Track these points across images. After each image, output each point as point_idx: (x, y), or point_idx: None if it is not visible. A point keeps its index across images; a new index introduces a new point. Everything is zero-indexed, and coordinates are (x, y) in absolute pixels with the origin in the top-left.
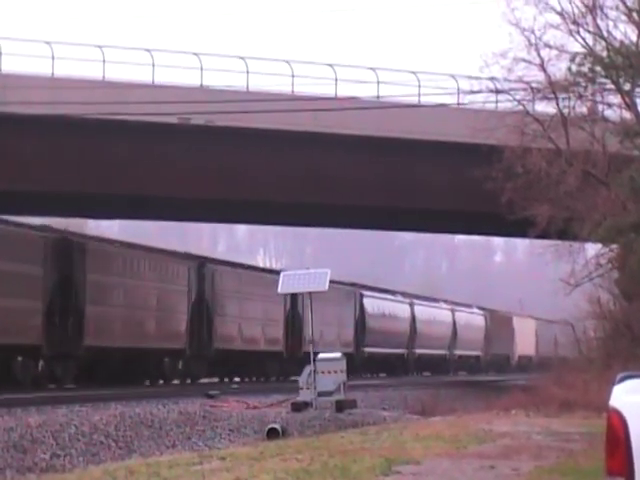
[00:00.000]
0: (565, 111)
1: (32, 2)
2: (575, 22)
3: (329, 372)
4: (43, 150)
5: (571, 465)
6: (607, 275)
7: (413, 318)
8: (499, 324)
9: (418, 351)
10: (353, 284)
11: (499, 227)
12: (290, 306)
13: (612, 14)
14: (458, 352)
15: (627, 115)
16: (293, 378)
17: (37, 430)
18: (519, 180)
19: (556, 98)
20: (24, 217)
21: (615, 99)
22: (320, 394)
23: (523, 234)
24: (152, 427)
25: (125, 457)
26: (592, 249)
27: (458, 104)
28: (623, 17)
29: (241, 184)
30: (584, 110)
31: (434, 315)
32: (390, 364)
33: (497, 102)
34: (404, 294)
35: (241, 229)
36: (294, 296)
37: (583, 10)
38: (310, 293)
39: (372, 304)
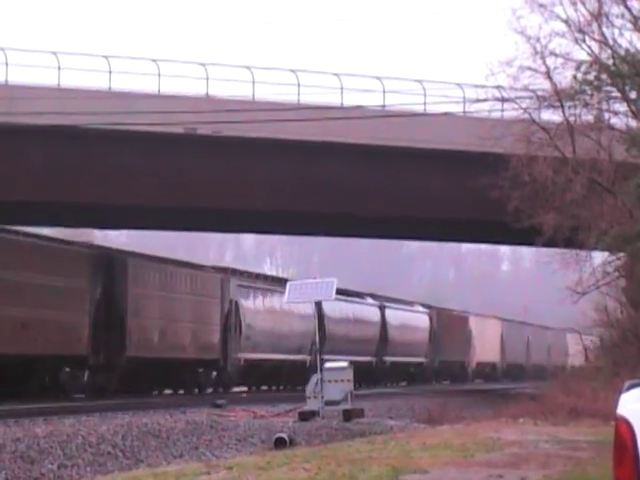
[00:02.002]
0: (571, 119)
1: (38, 13)
2: (581, 30)
3: (336, 381)
4: (49, 160)
5: (579, 474)
6: (614, 283)
7: (320, 316)
8: (450, 325)
9: (328, 358)
10: (221, 269)
11: (506, 235)
12: (102, 294)
13: (618, 22)
14: (390, 358)
15: (633, 123)
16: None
17: (44, 440)
18: (525, 188)
19: (562, 106)
20: (30, 228)
21: (621, 107)
22: (327, 403)
23: (530, 242)
24: (159, 437)
25: (132, 467)
26: (599, 257)
27: (464, 113)
28: (629, 25)
29: (248, 194)
30: (590, 118)
31: (353, 312)
32: (284, 374)
33: (503, 110)
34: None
35: (248, 238)
36: (109, 278)
37: (589, 18)
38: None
39: (254, 297)
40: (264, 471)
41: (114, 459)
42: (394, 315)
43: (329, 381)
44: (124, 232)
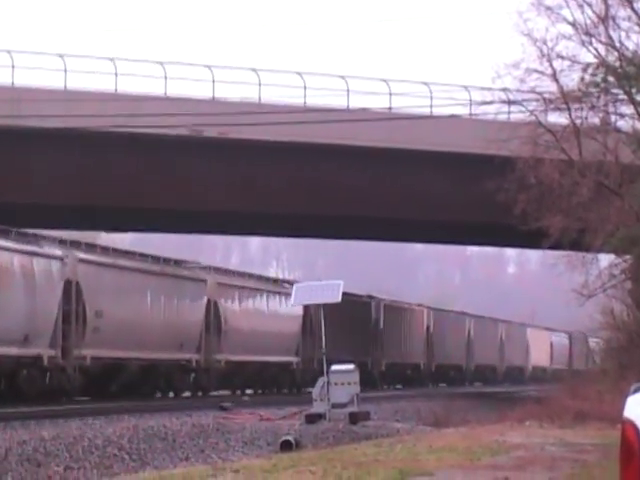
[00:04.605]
0: (578, 122)
1: (44, 15)
2: (587, 33)
3: (342, 384)
4: (56, 163)
5: (585, 477)
6: (620, 286)
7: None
8: (340, 314)
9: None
10: None
11: (512, 238)
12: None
13: (624, 25)
14: (226, 357)
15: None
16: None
17: (51, 443)
18: (532, 191)
19: (568, 109)
20: (39, 230)
21: (628, 110)
22: (334, 406)
23: (536, 245)
24: (165, 440)
25: (138, 470)
26: (605, 260)
27: (470, 115)
28: (635, 28)
29: (254, 196)
30: (597, 121)
31: (156, 290)
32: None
33: (509, 113)
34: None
35: (254, 241)
36: None
37: (595, 21)
38: (321, 306)
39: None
40: (270, 474)
41: (120, 462)
42: (233, 296)
43: (335, 384)
44: (129, 235)
